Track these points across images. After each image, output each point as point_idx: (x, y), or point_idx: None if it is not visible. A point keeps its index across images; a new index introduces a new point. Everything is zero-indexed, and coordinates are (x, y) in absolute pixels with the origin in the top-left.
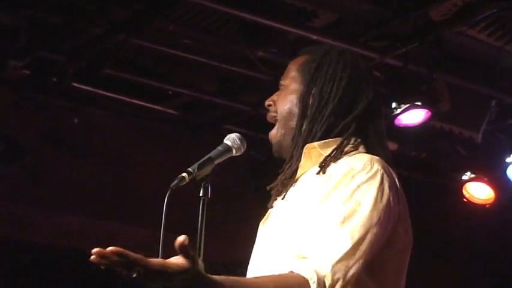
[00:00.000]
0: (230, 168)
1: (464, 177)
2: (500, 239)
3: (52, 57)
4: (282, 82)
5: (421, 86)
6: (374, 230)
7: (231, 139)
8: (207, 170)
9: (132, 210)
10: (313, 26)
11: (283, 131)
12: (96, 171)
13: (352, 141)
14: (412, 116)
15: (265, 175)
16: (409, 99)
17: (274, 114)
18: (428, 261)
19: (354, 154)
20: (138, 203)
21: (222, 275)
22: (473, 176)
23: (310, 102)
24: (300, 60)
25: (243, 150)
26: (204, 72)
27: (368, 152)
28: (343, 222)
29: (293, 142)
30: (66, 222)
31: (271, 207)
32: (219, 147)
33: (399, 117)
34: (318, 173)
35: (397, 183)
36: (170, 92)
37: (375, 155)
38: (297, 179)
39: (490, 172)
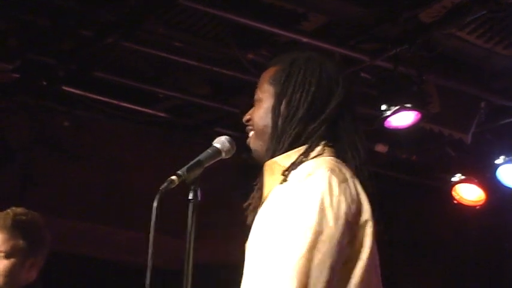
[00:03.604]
0: (221, 171)
1: (455, 179)
2: (491, 241)
3: (42, 60)
4: (256, 97)
5: (411, 88)
6: (322, 236)
7: (220, 142)
8: (197, 172)
9: (123, 213)
10: (303, 28)
11: (259, 142)
12: (87, 174)
13: (320, 146)
14: (402, 118)
15: (255, 178)
16: (399, 101)
17: (251, 128)
18: (418, 262)
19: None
20: (129, 206)
21: (214, 276)
22: (463, 177)
23: (281, 112)
24: (270, 72)
25: (232, 152)
26: (195, 75)
27: (336, 155)
28: (286, 240)
29: (267, 154)
30: (57, 225)
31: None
32: (208, 150)
33: (389, 119)
34: (281, 183)
35: (350, 181)
36: (161, 95)
37: (342, 159)
38: (265, 198)
39: (480, 173)
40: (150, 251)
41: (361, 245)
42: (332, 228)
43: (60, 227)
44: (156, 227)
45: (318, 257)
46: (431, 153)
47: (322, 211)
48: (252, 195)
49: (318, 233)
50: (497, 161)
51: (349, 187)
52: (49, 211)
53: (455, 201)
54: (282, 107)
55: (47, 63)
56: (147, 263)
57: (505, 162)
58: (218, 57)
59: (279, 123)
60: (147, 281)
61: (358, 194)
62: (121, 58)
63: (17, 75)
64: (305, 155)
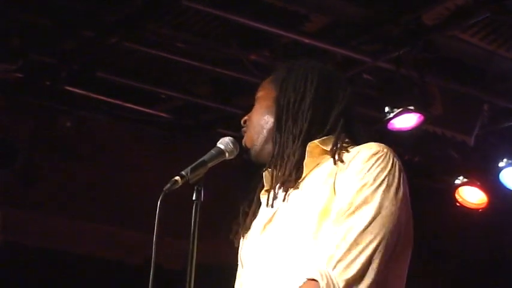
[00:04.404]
0: (224, 172)
1: (457, 182)
2: (493, 244)
3: (45, 60)
4: (255, 98)
5: (413, 90)
6: (387, 211)
7: (224, 143)
8: (200, 173)
9: (124, 214)
10: (305, 29)
11: (259, 136)
12: (89, 174)
13: (345, 139)
14: (405, 120)
15: (258, 179)
16: (402, 104)
17: (245, 129)
18: (420, 264)
19: (356, 146)
20: (130, 206)
21: (216, 277)
22: (466, 180)
23: (286, 99)
24: (270, 76)
25: (236, 153)
26: (197, 76)
27: None
28: (353, 212)
29: (274, 142)
30: (59, 225)
31: (270, 207)
32: (212, 151)
33: (392, 121)
34: (335, 163)
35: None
36: (163, 96)
37: None
38: (303, 179)
39: (482, 176)
40: (153, 251)
41: (410, 232)
42: (395, 205)
43: (60, 227)
44: (159, 227)
45: (382, 230)
46: (434, 155)
47: (388, 188)
48: (276, 180)
49: (382, 208)
50: (500, 164)
51: (405, 174)
52: (50, 210)
53: (457, 204)
54: (287, 94)
55: (49, 63)
56: (147, 262)
57: (508, 165)
58: (220, 58)
59: (287, 108)
60: (151, 281)
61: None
62: (123, 58)
63: (20, 75)
64: (340, 141)
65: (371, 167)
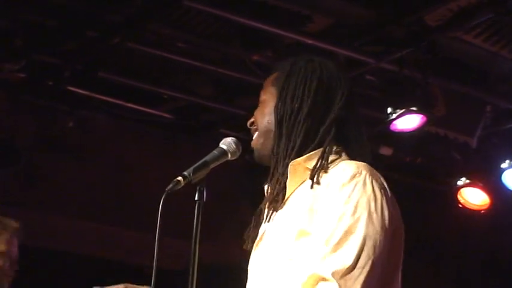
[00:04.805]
0: (225, 173)
1: (459, 183)
2: (495, 245)
3: (48, 60)
4: (259, 99)
5: (416, 91)
6: (371, 241)
7: (227, 143)
8: (202, 174)
9: (126, 214)
10: (308, 30)
11: (262, 140)
12: (91, 175)
13: (334, 149)
14: (408, 121)
15: (260, 180)
16: (405, 105)
17: (255, 127)
18: (422, 266)
19: (340, 162)
20: (132, 207)
21: (216, 277)
22: (468, 181)
23: (284, 109)
24: (273, 75)
25: (238, 154)
26: (200, 76)
27: (350, 159)
28: (338, 243)
29: (273, 153)
30: (59, 225)
31: (263, 222)
32: (215, 151)
33: (394, 122)
34: (312, 187)
35: (385, 184)
36: (165, 96)
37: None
38: (287, 198)
39: (485, 177)
40: (155, 251)
41: (399, 249)
42: (378, 233)
43: (60, 227)
44: (161, 228)
45: (368, 262)
46: (437, 156)
47: (370, 216)
48: (267, 198)
49: (366, 238)
50: (502, 165)
51: (388, 192)
52: (52, 210)
53: (460, 205)
54: (286, 103)
55: (52, 64)
56: (147, 262)
57: (510, 166)
58: (223, 58)
59: (285, 119)
60: (152, 281)
61: (393, 198)
62: (125, 59)
63: (22, 75)
64: (325, 157)
65: (351, 193)
